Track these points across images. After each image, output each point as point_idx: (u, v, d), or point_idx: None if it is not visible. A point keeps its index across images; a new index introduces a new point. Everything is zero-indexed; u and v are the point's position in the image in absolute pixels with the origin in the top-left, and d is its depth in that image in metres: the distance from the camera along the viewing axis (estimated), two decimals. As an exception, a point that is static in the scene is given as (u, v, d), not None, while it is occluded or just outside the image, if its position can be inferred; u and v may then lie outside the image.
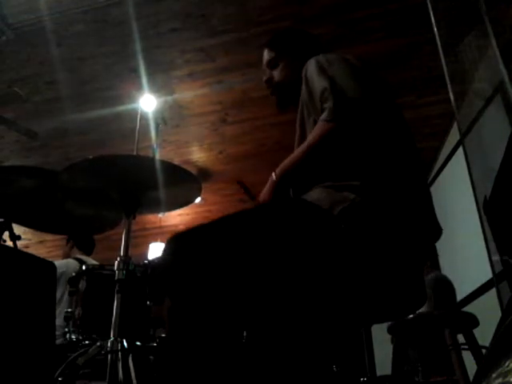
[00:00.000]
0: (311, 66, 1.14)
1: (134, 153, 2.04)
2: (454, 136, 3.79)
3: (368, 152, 1.05)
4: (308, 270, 0.95)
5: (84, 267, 1.81)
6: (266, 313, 0.95)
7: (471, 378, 2.10)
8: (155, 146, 2.14)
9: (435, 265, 3.37)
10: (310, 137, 1.06)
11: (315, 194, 1.03)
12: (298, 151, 1.07)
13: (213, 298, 0.88)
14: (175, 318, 0.90)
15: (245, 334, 0.94)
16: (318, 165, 1.07)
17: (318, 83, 1.09)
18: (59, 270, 1.45)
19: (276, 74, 1.37)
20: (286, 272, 0.94)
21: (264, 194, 1.11)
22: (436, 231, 1.09)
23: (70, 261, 2.72)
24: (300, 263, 0.94)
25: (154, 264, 1.76)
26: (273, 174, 1.09)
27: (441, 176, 4.19)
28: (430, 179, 4.37)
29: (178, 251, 0.95)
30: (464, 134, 2.39)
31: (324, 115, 1.04)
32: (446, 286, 2.99)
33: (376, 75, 1.17)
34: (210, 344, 0.86)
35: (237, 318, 0.90)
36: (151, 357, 1.69)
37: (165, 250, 0.97)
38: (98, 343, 1.48)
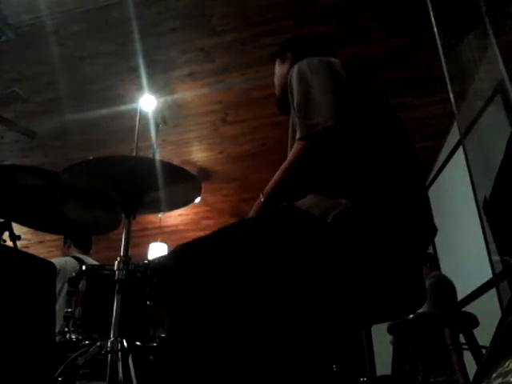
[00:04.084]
0: (294, 74, 1.15)
1: (134, 153, 2.04)
2: (454, 136, 3.80)
3: (358, 157, 1.06)
4: (307, 275, 0.96)
5: (84, 267, 1.81)
6: (266, 315, 0.95)
7: (471, 377, 2.10)
8: (155, 146, 2.14)
9: (435, 265, 3.37)
10: (289, 156, 1.08)
11: (307, 201, 1.04)
12: (279, 171, 1.09)
13: (214, 303, 0.89)
14: (176, 330, 0.91)
15: (245, 335, 0.94)
16: (309, 172, 1.08)
17: (296, 94, 1.11)
18: (57, 268, 1.45)
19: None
20: (285, 277, 0.95)
21: (251, 214, 1.12)
22: (431, 231, 1.09)
23: (68, 259, 2.72)
24: (298, 268, 0.95)
25: (154, 264, 1.76)
26: (261, 195, 1.11)
27: (441, 176, 4.19)
28: (429, 179, 4.37)
29: (179, 264, 0.96)
30: (464, 134, 2.39)
31: (298, 133, 1.06)
32: (446, 286, 2.99)
33: (364, 81, 1.17)
34: (210, 347, 0.86)
35: (238, 322, 0.90)
36: (151, 357, 1.69)
37: (167, 264, 0.98)
38: (98, 343, 1.48)
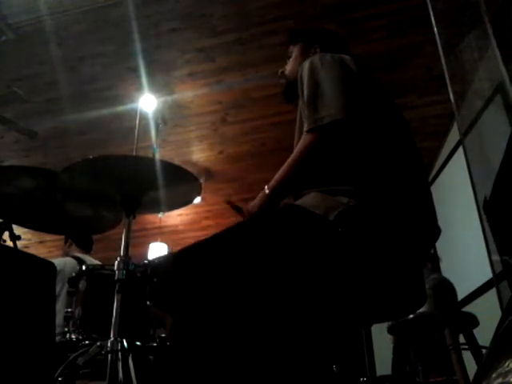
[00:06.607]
0: (305, 68, 1.15)
1: (134, 153, 2.04)
2: (454, 136, 3.79)
3: (362, 155, 1.06)
4: (308, 274, 0.95)
5: (84, 267, 1.81)
6: (266, 314, 0.95)
7: (471, 377, 2.10)
8: (155, 145, 2.14)
9: (436, 267, 3.36)
10: (296, 149, 1.07)
11: (310, 200, 1.03)
12: (286, 165, 1.08)
13: (216, 306, 0.89)
14: (179, 332, 0.91)
15: (245, 336, 0.94)
16: (312, 169, 1.07)
17: (306, 88, 1.10)
18: (57, 268, 1.45)
19: (287, 65, 1.40)
20: (286, 276, 0.94)
21: (254, 205, 1.11)
22: (435, 231, 1.09)
23: (68, 259, 2.71)
24: (299, 267, 0.95)
25: (154, 264, 1.76)
26: (266, 187, 1.09)
27: (441, 176, 4.19)
28: (430, 179, 4.37)
29: (180, 268, 0.96)
30: (464, 134, 2.39)
31: (306, 126, 1.05)
32: (446, 287, 2.99)
33: (372, 78, 1.17)
34: (212, 348, 0.86)
35: (239, 323, 0.90)
36: (151, 357, 1.68)
37: (167, 267, 0.98)
38: (98, 343, 1.47)
